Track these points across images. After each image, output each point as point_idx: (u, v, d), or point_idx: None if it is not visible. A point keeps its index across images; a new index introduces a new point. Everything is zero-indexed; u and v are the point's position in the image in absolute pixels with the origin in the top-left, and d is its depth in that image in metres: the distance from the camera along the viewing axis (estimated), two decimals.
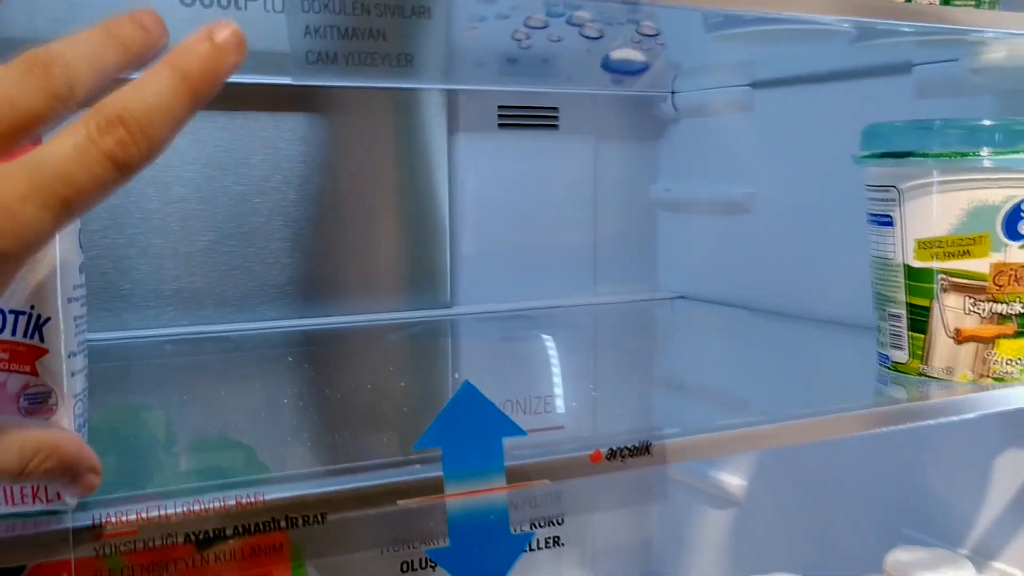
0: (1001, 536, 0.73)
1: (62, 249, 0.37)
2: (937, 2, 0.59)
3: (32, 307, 0.37)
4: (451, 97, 0.97)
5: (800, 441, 0.53)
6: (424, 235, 0.97)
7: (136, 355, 0.80)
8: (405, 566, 0.45)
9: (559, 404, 0.65)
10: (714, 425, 0.51)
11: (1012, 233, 0.59)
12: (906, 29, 0.57)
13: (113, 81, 0.33)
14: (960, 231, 0.60)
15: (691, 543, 1.04)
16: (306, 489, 0.41)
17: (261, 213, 0.88)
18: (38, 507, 0.37)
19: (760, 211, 0.96)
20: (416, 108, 0.95)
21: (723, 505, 0.99)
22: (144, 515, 0.38)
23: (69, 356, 0.38)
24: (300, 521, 0.40)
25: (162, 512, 0.38)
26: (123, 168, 0.31)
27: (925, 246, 0.60)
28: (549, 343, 0.91)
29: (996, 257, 0.60)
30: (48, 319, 0.37)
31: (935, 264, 0.60)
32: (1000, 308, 0.60)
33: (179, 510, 0.38)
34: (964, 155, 0.59)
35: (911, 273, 0.61)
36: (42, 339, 0.37)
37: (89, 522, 0.37)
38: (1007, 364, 0.61)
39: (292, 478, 0.43)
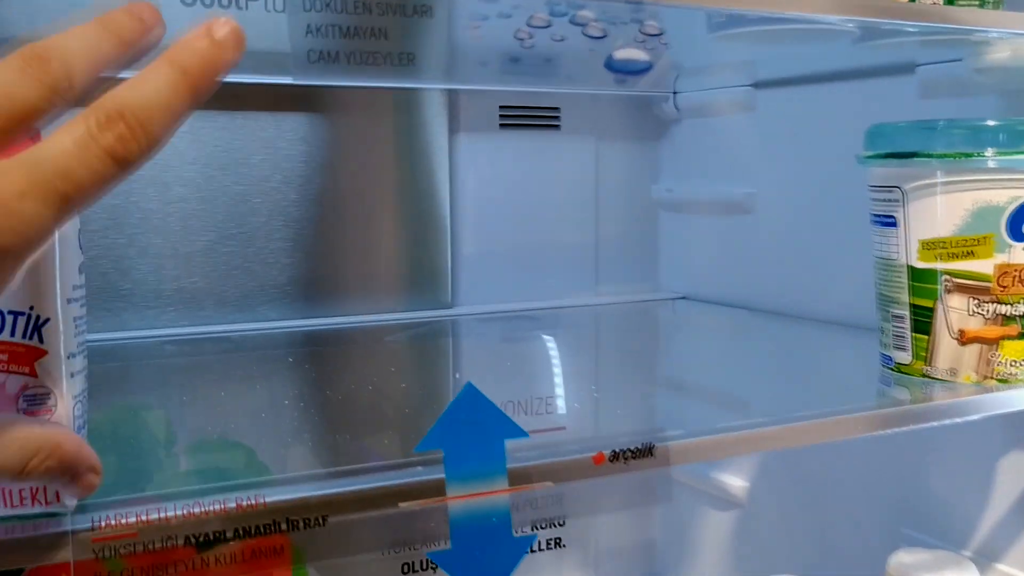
0: (1004, 538, 0.73)
1: (61, 249, 0.37)
2: (941, 2, 0.59)
3: (31, 308, 0.37)
4: (452, 97, 0.96)
5: (804, 443, 0.53)
6: (425, 235, 0.96)
7: (136, 355, 0.80)
8: (406, 568, 0.45)
9: (560, 405, 0.65)
10: (717, 427, 0.51)
11: (1016, 234, 0.59)
12: (910, 29, 0.57)
13: (111, 73, 0.32)
14: (964, 232, 0.59)
15: (693, 545, 1.04)
16: (307, 491, 0.41)
17: (261, 213, 0.88)
18: (37, 509, 0.37)
19: (762, 212, 0.96)
20: (417, 108, 0.95)
21: (725, 507, 0.99)
22: (144, 517, 0.38)
23: (68, 357, 0.38)
24: (301, 523, 0.40)
25: (162, 514, 0.38)
26: (123, 164, 0.31)
27: (929, 247, 0.60)
28: (550, 344, 0.91)
29: (1000, 258, 0.59)
30: (47, 320, 0.37)
31: (939, 265, 0.60)
32: (1004, 309, 0.60)
33: (179, 512, 0.38)
34: (968, 156, 0.58)
35: (915, 274, 0.61)
36: (41, 340, 0.37)
37: (88, 524, 0.37)
38: (1011, 365, 0.60)
39: (293, 480, 0.42)
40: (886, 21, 0.55)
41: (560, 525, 0.46)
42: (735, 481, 0.97)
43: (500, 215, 1.00)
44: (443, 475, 0.43)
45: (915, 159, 0.60)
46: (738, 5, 0.50)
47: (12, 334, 0.36)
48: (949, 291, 0.60)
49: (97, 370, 0.42)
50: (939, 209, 0.60)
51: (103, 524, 0.37)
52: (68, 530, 0.37)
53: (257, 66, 0.79)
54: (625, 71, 0.72)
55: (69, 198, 0.30)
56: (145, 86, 0.31)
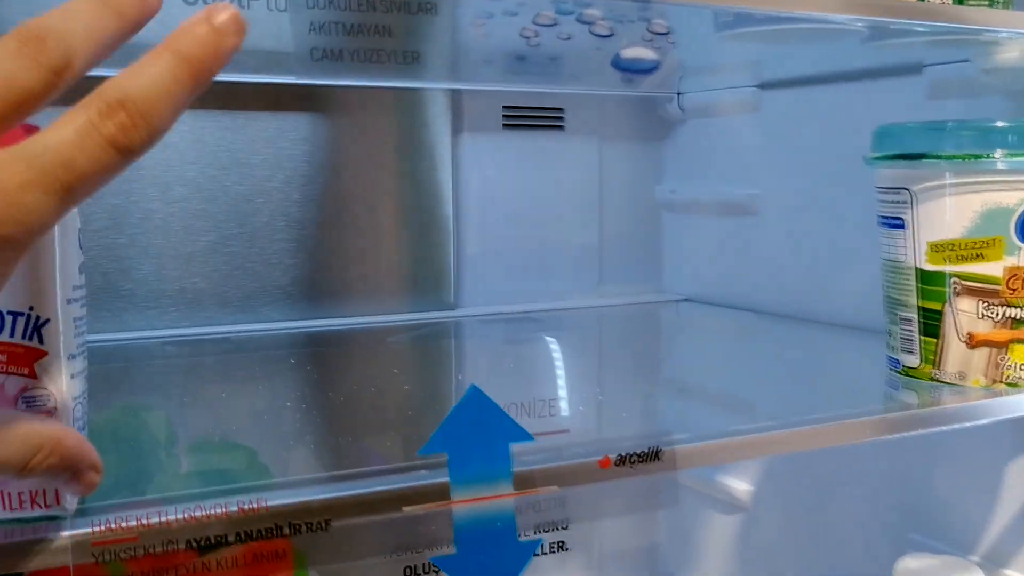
0: (1012, 543, 0.73)
1: (61, 249, 0.37)
2: (951, 1, 0.58)
3: (31, 308, 0.36)
4: (455, 97, 0.96)
5: (812, 447, 0.52)
6: (428, 236, 0.96)
7: (137, 356, 0.79)
8: (409, 572, 0.44)
9: (564, 407, 0.65)
10: (725, 431, 0.51)
11: None
12: (920, 28, 0.56)
13: (110, 51, 0.32)
14: (973, 234, 0.59)
15: (698, 548, 1.04)
16: (310, 495, 0.40)
17: (263, 213, 0.88)
18: (37, 512, 0.37)
19: (767, 213, 0.96)
20: (420, 108, 0.95)
21: (730, 510, 0.98)
22: (145, 521, 0.37)
23: (69, 358, 0.37)
24: (304, 527, 0.39)
25: (163, 518, 0.37)
26: (125, 153, 0.30)
27: (938, 249, 0.60)
28: (554, 345, 0.90)
29: (1010, 260, 0.59)
30: (47, 320, 0.36)
31: (948, 267, 0.60)
32: (1014, 312, 0.59)
33: (180, 516, 0.38)
34: (978, 157, 0.58)
35: (923, 276, 0.61)
36: (41, 341, 0.36)
37: (89, 528, 0.36)
38: (1020, 369, 0.60)
39: (296, 484, 0.42)
40: (895, 20, 0.55)
41: (564, 528, 0.46)
42: (740, 485, 0.97)
43: (503, 216, 0.99)
44: (447, 479, 0.42)
45: (924, 160, 0.60)
46: (747, 4, 0.50)
47: (11, 335, 0.36)
48: (958, 294, 0.60)
49: (98, 371, 0.42)
50: (948, 211, 0.59)
51: (103, 528, 0.36)
52: (68, 534, 0.36)
53: (259, 65, 0.78)
54: (632, 70, 0.71)
55: (71, 188, 0.30)
56: (146, 74, 0.31)
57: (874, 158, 0.63)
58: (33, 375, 0.36)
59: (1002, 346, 0.60)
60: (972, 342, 0.60)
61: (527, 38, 0.60)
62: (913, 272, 0.61)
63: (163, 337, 0.83)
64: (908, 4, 0.56)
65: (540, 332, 0.95)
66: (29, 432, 0.33)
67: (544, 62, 0.78)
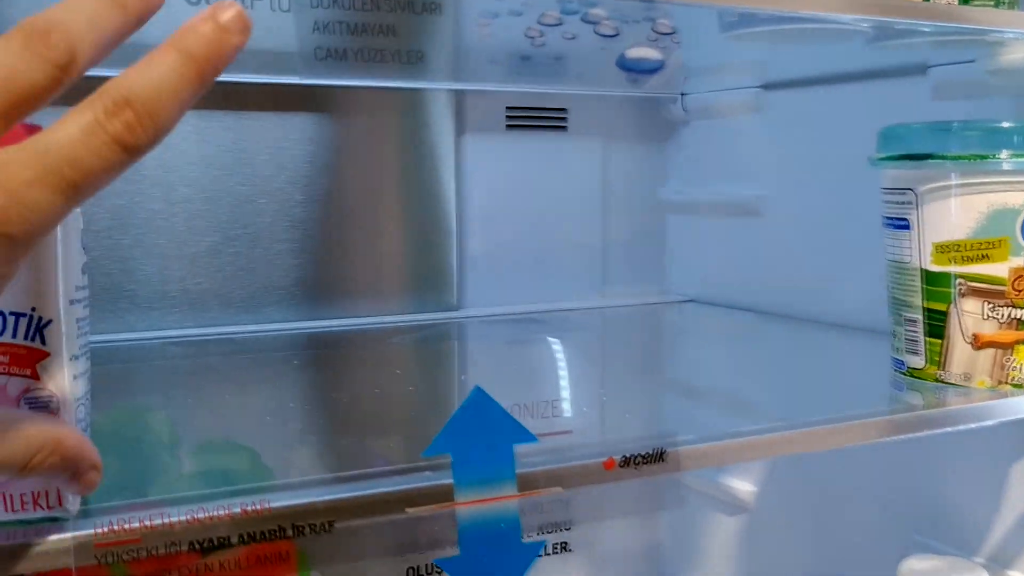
0: (1017, 544, 0.72)
1: (64, 249, 0.37)
2: (956, 1, 0.58)
3: (33, 309, 0.36)
4: (458, 98, 0.96)
5: (817, 448, 0.52)
6: (431, 237, 0.96)
7: (140, 357, 0.79)
8: (412, 572, 0.44)
9: (568, 408, 0.64)
10: (729, 432, 0.50)
11: None
12: (925, 29, 0.56)
13: (114, 46, 0.32)
14: (979, 235, 0.59)
15: (700, 549, 1.03)
16: (313, 497, 0.40)
17: (267, 214, 0.88)
18: (39, 514, 0.36)
19: (771, 214, 0.96)
20: (423, 109, 0.94)
21: (733, 511, 0.98)
22: (148, 523, 0.37)
23: (71, 359, 0.37)
24: (307, 529, 0.39)
25: (166, 519, 0.37)
26: (131, 151, 0.30)
27: (943, 250, 0.59)
28: (557, 346, 0.90)
29: (1016, 261, 0.59)
30: (49, 321, 0.36)
31: (953, 268, 0.59)
32: (1019, 313, 0.59)
33: (183, 518, 0.37)
34: (983, 158, 0.58)
35: (928, 277, 0.60)
36: (43, 342, 0.36)
37: (91, 530, 0.36)
38: None
39: (299, 485, 0.42)
40: (901, 20, 0.55)
41: (567, 529, 0.46)
42: (743, 485, 0.96)
43: (506, 217, 0.99)
44: (451, 480, 0.42)
45: (929, 161, 0.59)
46: (752, 4, 0.50)
47: (13, 335, 0.36)
48: (963, 295, 0.59)
49: (101, 371, 0.42)
50: (953, 211, 0.59)
51: (106, 529, 0.36)
52: (70, 535, 0.36)
53: (263, 65, 0.78)
54: (637, 70, 0.71)
55: (77, 186, 0.30)
56: (152, 72, 0.31)
57: (879, 159, 0.63)
58: (35, 376, 0.36)
59: (1007, 347, 0.59)
60: (977, 343, 0.60)
61: (532, 38, 0.60)
62: (918, 273, 0.61)
63: (166, 338, 0.83)
64: (913, 4, 0.56)
65: (543, 333, 0.95)
66: (31, 431, 0.33)
67: (549, 62, 0.78)
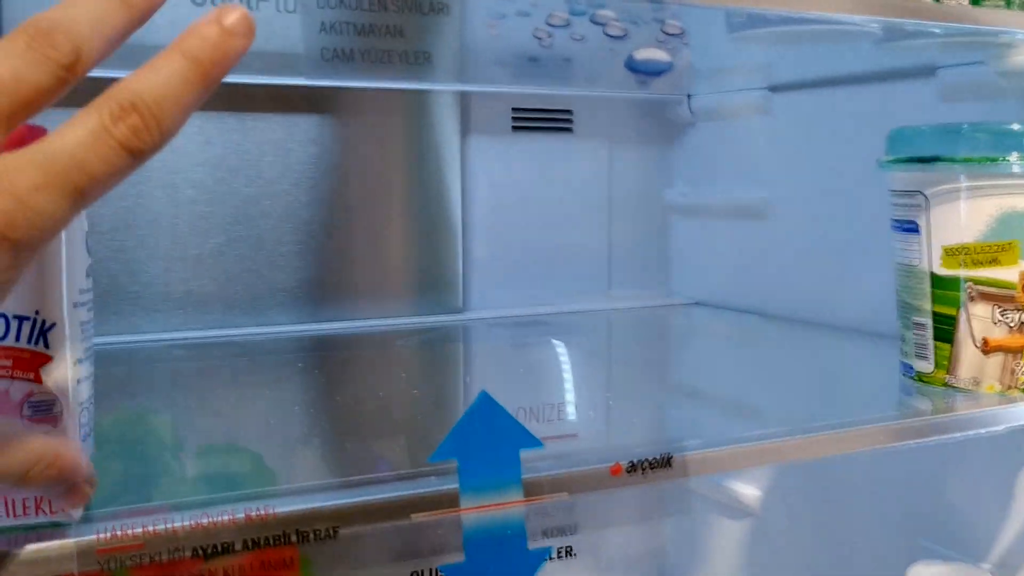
0: None
1: (68, 252, 0.36)
2: (966, 2, 0.58)
3: (37, 312, 0.36)
4: (464, 99, 0.96)
5: (826, 454, 0.52)
6: (436, 239, 0.95)
7: (144, 359, 0.79)
8: None
9: (573, 412, 0.64)
10: (737, 437, 0.50)
11: None
12: (935, 30, 0.56)
13: (118, 44, 0.32)
14: (988, 238, 0.58)
15: (705, 554, 1.03)
16: (318, 502, 0.40)
17: (271, 216, 0.87)
18: (42, 519, 0.36)
19: (778, 216, 0.95)
20: (429, 110, 0.94)
21: (738, 515, 0.98)
22: (151, 528, 0.37)
23: (75, 363, 0.37)
24: (311, 535, 0.39)
25: (169, 525, 0.37)
26: (137, 155, 0.30)
27: (952, 253, 0.59)
28: (562, 349, 0.90)
29: None
30: (53, 325, 0.36)
31: (962, 272, 0.59)
32: None
33: (187, 523, 0.37)
34: (993, 160, 0.57)
35: (937, 281, 0.60)
36: (47, 345, 0.36)
37: (94, 535, 0.36)
38: None
39: (303, 491, 0.41)
40: (910, 21, 0.54)
41: (571, 533, 0.45)
42: (748, 489, 0.96)
43: (512, 219, 0.99)
44: (457, 486, 0.42)
45: (938, 163, 0.59)
46: (763, 5, 0.49)
47: (17, 339, 0.35)
48: (972, 299, 0.59)
49: (104, 373, 0.41)
50: (962, 215, 0.59)
51: (108, 535, 0.36)
52: (72, 541, 0.36)
53: (268, 67, 0.78)
54: (646, 71, 0.71)
55: (83, 190, 0.29)
56: (157, 76, 0.31)
57: (887, 161, 0.62)
58: (39, 380, 0.36)
59: (1017, 352, 0.59)
60: (986, 348, 0.59)
61: (540, 39, 0.60)
62: (927, 277, 0.60)
63: (170, 340, 0.83)
64: (923, 5, 0.55)
65: (548, 336, 0.95)
66: (30, 443, 0.33)
67: (556, 63, 0.77)
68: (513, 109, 0.98)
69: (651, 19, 0.53)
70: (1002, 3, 0.58)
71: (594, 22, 0.53)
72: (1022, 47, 0.65)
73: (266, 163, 0.87)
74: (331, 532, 0.39)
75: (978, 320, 0.59)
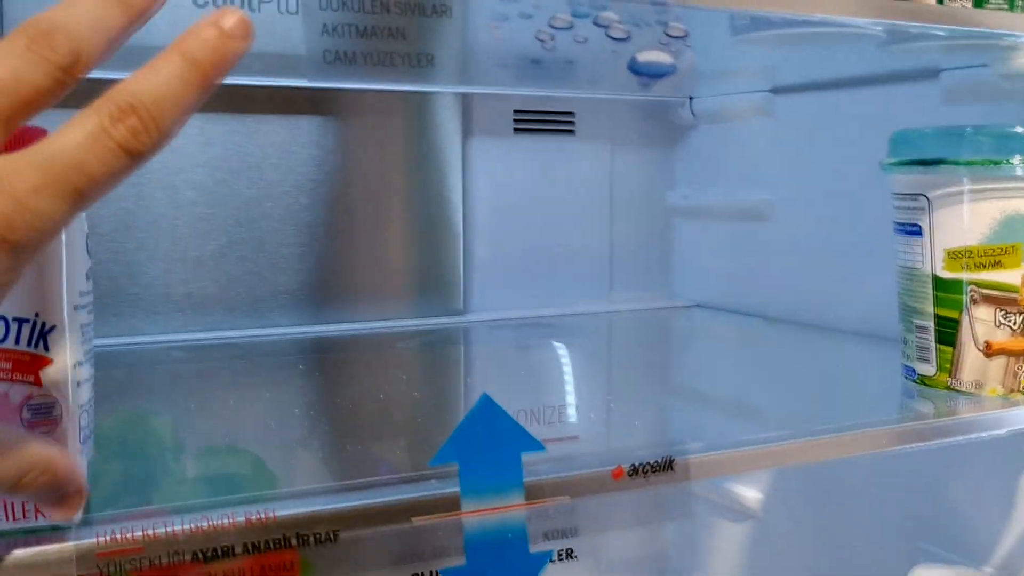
0: None
1: (68, 255, 0.36)
2: (969, 5, 0.57)
3: (37, 314, 0.35)
4: (466, 101, 0.95)
5: (828, 457, 0.52)
6: (437, 241, 0.95)
7: (144, 361, 0.79)
8: None
9: (574, 414, 0.64)
10: (739, 440, 0.50)
11: None
12: (939, 32, 0.56)
13: (118, 45, 0.31)
14: (992, 241, 0.58)
15: (706, 556, 1.03)
16: (318, 506, 0.39)
17: (272, 217, 0.87)
18: (41, 523, 0.36)
19: (779, 219, 0.95)
20: (430, 112, 0.94)
21: (739, 518, 0.98)
22: (151, 532, 0.36)
23: (75, 366, 0.37)
24: (312, 539, 0.39)
25: (169, 529, 0.37)
26: (135, 157, 0.30)
27: (955, 256, 0.59)
28: (563, 352, 0.90)
29: None
30: (53, 327, 0.36)
31: (965, 275, 0.59)
32: None
33: (187, 527, 0.37)
34: (996, 163, 0.57)
35: (940, 284, 0.60)
36: (47, 348, 0.36)
37: (94, 539, 0.36)
38: None
39: (303, 494, 0.41)
40: (914, 24, 0.54)
41: (572, 536, 0.45)
42: (749, 492, 0.96)
43: (513, 221, 0.99)
44: (458, 489, 0.42)
45: (941, 166, 0.59)
46: (766, 7, 0.49)
47: (16, 342, 0.35)
48: (975, 302, 0.59)
49: (105, 375, 0.41)
50: (965, 218, 0.58)
51: (108, 538, 0.36)
52: (72, 544, 0.36)
53: (270, 68, 0.78)
54: (649, 74, 0.70)
55: (83, 192, 0.29)
56: (156, 78, 0.31)
57: (890, 164, 0.62)
58: (38, 383, 0.36)
59: (1020, 355, 0.59)
60: (989, 351, 0.59)
61: (542, 41, 0.60)
62: (929, 279, 0.60)
63: (170, 342, 0.83)
64: (927, 7, 0.55)
65: (550, 338, 0.95)
66: (24, 450, 0.33)
67: (559, 66, 0.77)
68: (515, 111, 0.98)
69: (654, 21, 0.53)
70: (1005, 6, 0.58)
71: (597, 24, 0.53)
72: None
73: (268, 165, 0.87)
74: (331, 536, 0.39)
75: (981, 323, 0.59)
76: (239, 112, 0.85)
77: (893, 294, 0.64)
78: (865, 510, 0.84)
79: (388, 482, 0.43)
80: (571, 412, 0.65)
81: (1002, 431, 0.58)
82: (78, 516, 0.37)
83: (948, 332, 0.60)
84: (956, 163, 0.58)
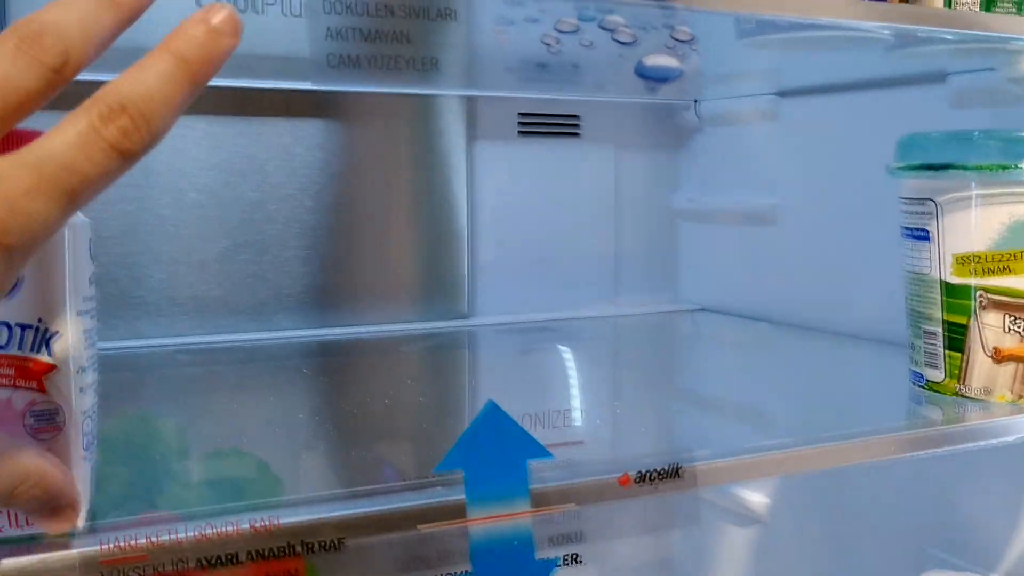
0: None
1: (72, 260, 0.36)
2: (978, 8, 0.57)
3: (40, 320, 0.35)
4: (470, 104, 0.95)
5: (836, 464, 0.51)
6: (442, 244, 0.95)
7: (149, 364, 0.79)
8: None
9: (579, 419, 0.64)
10: (746, 447, 0.50)
11: None
12: (947, 36, 0.55)
13: (108, 45, 0.31)
14: (1000, 246, 0.58)
15: (712, 561, 1.02)
16: (323, 513, 0.39)
17: (277, 220, 0.87)
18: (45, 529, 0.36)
19: (785, 222, 0.95)
20: (435, 115, 0.94)
21: (745, 523, 0.97)
22: (155, 539, 0.36)
23: (78, 371, 0.36)
24: (317, 546, 0.38)
25: (173, 536, 0.36)
26: (127, 156, 0.30)
27: (963, 262, 0.58)
28: (569, 356, 0.89)
29: None
30: (56, 333, 0.35)
31: (973, 280, 0.58)
32: None
33: (191, 534, 0.37)
34: (1005, 168, 0.57)
35: (948, 289, 0.59)
36: (50, 354, 0.35)
37: (97, 546, 0.36)
38: None
39: (309, 501, 0.41)
40: (922, 28, 0.54)
41: (578, 541, 0.45)
42: (755, 497, 0.95)
43: (518, 224, 0.98)
44: (464, 497, 0.41)
45: (949, 171, 0.58)
46: (774, 11, 0.49)
47: (19, 347, 0.35)
48: (984, 307, 0.58)
49: (109, 379, 0.41)
50: (974, 223, 0.58)
51: (112, 546, 0.36)
52: (76, 552, 0.35)
53: (275, 71, 0.78)
54: (656, 78, 0.70)
55: (75, 193, 0.29)
56: (146, 77, 0.30)
57: (898, 168, 0.62)
58: (42, 389, 0.35)
59: None
60: (998, 357, 0.59)
61: (548, 45, 0.59)
62: (938, 285, 0.60)
63: (175, 345, 0.83)
64: (936, 12, 0.55)
65: (555, 342, 0.94)
66: (17, 462, 0.33)
67: (565, 70, 0.77)
68: (520, 114, 0.98)
69: (661, 25, 0.52)
70: (1014, 9, 0.58)
71: (603, 28, 0.53)
72: None
73: (272, 168, 0.87)
74: (337, 543, 0.39)
75: (989, 329, 0.58)
76: (243, 115, 0.85)
77: (900, 299, 0.64)
78: (872, 515, 0.83)
79: (394, 489, 0.42)
80: (576, 416, 0.64)
81: (1011, 438, 0.57)
82: (82, 523, 0.36)
83: (957, 338, 0.59)
84: (965, 167, 0.58)
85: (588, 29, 0.54)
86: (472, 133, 0.96)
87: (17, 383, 0.35)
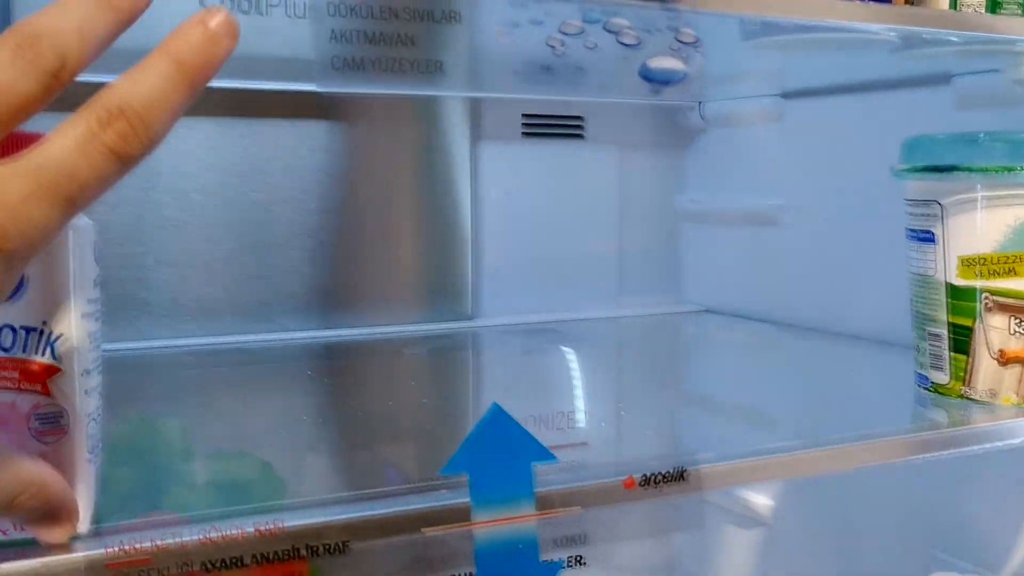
0: None
1: (76, 263, 0.36)
2: (984, 10, 0.57)
3: (44, 323, 0.35)
4: (474, 105, 0.95)
5: (842, 467, 0.51)
6: (446, 246, 0.95)
7: (153, 365, 0.79)
8: None
9: (583, 420, 0.64)
10: (751, 450, 0.49)
11: None
12: (952, 38, 0.55)
13: (105, 47, 0.31)
14: (1006, 248, 0.57)
15: (716, 563, 1.02)
16: (328, 516, 0.39)
17: (281, 222, 0.87)
18: None
19: (789, 224, 0.94)
20: (439, 117, 0.94)
21: (749, 524, 0.97)
22: (160, 542, 0.36)
23: (83, 374, 0.36)
24: (321, 549, 0.38)
25: (178, 539, 0.36)
26: (125, 160, 0.30)
27: (969, 264, 0.58)
28: (573, 357, 0.89)
29: None
30: (60, 336, 0.35)
31: (979, 283, 0.58)
32: None
33: (196, 537, 0.37)
34: (1011, 170, 0.57)
35: (953, 292, 0.59)
36: (54, 357, 0.35)
37: (102, 549, 0.36)
38: None
39: (313, 504, 0.41)
40: (927, 30, 0.54)
41: (582, 544, 0.45)
42: (759, 499, 0.95)
43: (522, 225, 0.98)
44: (469, 500, 0.41)
45: (955, 173, 0.58)
46: (778, 13, 0.49)
47: (24, 350, 0.35)
48: (989, 310, 0.58)
49: (113, 380, 0.41)
50: (979, 225, 0.58)
51: (117, 549, 0.36)
52: (81, 555, 0.35)
53: (278, 73, 0.78)
54: (660, 80, 0.70)
55: (74, 198, 0.29)
56: (143, 80, 0.30)
57: (903, 170, 0.62)
58: (46, 392, 0.35)
59: None
60: (1003, 359, 0.58)
61: (553, 47, 0.59)
62: (943, 287, 0.60)
63: (179, 346, 0.83)
64: (941, 13, 0.55)
65: (559, 343, 0.94)
66: (18, 472, 0.33)
67: (569, 72, 0.77)
68: (523, 115, 0.98)
69: (665, 27, 0.52)
70: (1019, 11, 0.58)
71: (608, 30, 0.53)
72: None
73: (276, 169, 0.87)
74: (341, 546, 0.39)
75: (995, 331, 0.58)
76: (248, 117, 0.85)
77: (904, 300, 0.64)
78: (877, 517, 0.83)
79: (398, 492, 0.42)
80: (580, 418, 0.64)
81: (1016, 440, 0.57)
82: (86, 527, 0.36)
83: (962, 340, 0.59)
84: (970, 169, 0.58)
85: (593, 31, 0.54)
86: (476, 134, 0.96)
87: (21, 386, 0.35)
